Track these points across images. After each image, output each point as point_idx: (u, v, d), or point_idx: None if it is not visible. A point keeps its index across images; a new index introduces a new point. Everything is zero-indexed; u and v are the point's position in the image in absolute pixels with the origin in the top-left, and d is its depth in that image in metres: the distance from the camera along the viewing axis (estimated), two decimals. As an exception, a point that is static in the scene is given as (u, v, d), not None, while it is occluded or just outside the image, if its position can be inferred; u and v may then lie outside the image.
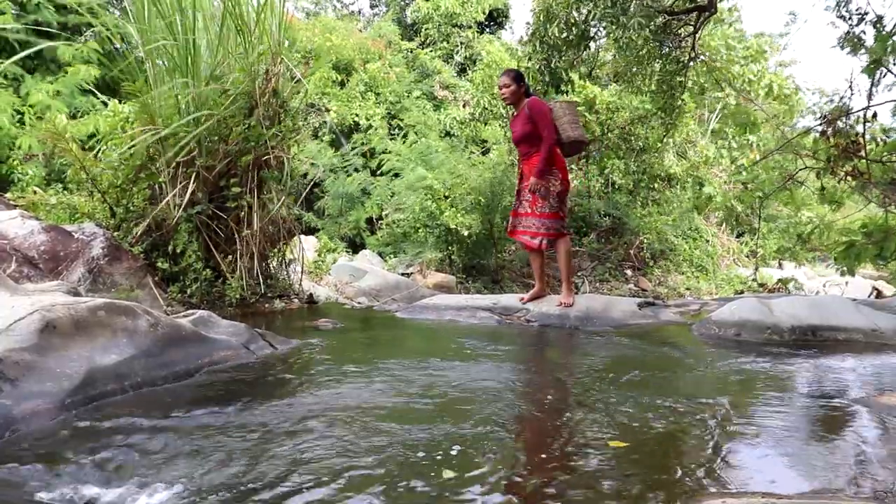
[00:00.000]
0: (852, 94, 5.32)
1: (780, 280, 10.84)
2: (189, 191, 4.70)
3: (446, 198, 9.05)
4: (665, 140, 11.31)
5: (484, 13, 17.96)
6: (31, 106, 9.47)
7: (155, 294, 4.40)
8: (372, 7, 23.88)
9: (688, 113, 11.06)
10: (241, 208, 4.91)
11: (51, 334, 2.34)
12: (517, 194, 4.94)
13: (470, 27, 17.63)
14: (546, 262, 5.16)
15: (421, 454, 1.91)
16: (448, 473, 1.76)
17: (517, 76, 4.83)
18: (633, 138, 11.07)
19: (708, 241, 12.38)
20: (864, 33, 5.50)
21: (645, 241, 11.17)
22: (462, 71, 17.16)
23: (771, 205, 11.67)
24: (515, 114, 4.90)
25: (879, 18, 5.38)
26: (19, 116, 9.52)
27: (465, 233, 8.65)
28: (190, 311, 3.45)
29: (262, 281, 5.01)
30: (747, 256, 13.12)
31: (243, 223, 4.93)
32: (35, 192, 5.85)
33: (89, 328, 2.50)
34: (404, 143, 12.31)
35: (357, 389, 2.63)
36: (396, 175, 11.27)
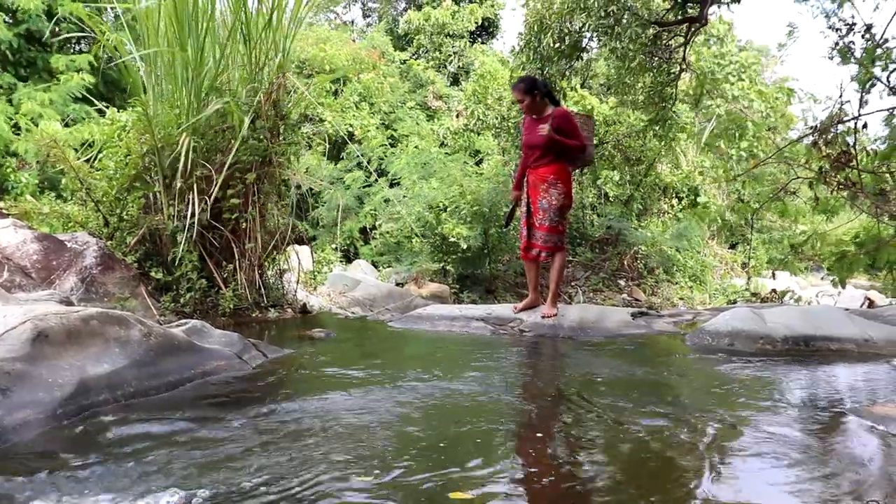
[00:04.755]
0: (842, 104, 5.36)
1: (773, 290, 10.87)
2: (187, 201, 4.68)
3: (445, 209, 9.06)
4: (661, 151, 11.37)
5: (476, 22, 18.06)
6: (23, 115, 9.45)
7: (148, 303, 4.38)
8: (365, 17, 24.02)
9: (687, 123, 11.13)
10: (239, 219, 4.89)
11: (43, 344, 2.32)
12: (527, 205, 4.86)
13: (462, 37, 17.72)
14: (540, 273, 5.16)
15: (410, 461, 1.90)
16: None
17: (528, 87, 4.66)
18: (627, 149, 11.12)
19: (699, 252, 12.42)
20: (854, 43, 5.56)
21: (641, 251, 11.20)
22: (455, 81, 17.24)
23: (765, 216, 11.72)
24: (535, 118, 4.73)
25: (868, 28, 5.43)
26: (13, 124, 9.51)
27: (464, 245, 8.66)
28: (183, 321, 3.44)
29: (256, 291, 5.00)
30: (741, 267, 13.17)
31: (241, 234, 4.92)
32: (28, 201, 5.83)
33: (82, 338, 2.48)
34: (404, 152, 12.35)
35: (348, 399, 2.62)
36: (392, 184, 11.30)
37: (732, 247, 13.77)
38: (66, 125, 9.34)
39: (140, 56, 5.08)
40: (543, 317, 4.79)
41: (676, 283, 11.35)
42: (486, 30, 19.47)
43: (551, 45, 8.16)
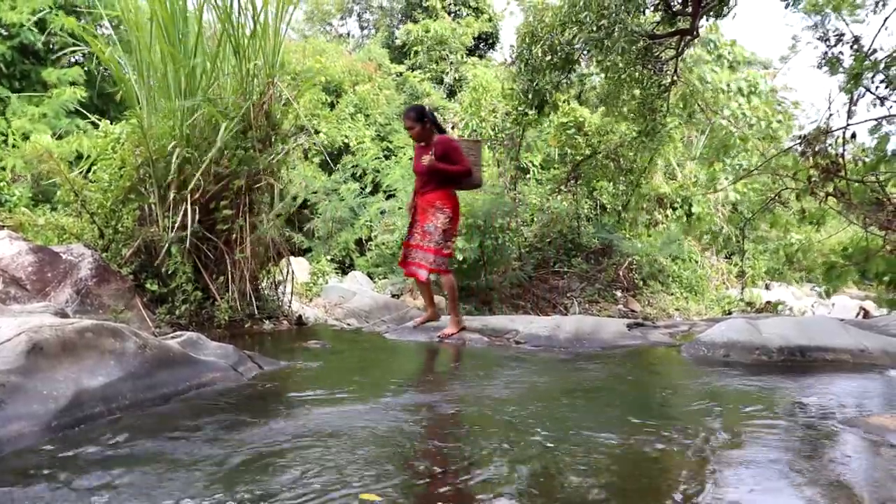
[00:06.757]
0: (830, 115, 5.40)
1: (768, 302, 10.90)
2: (182, 212, 4.68)
3: None
4: (653, 162, 11.42)
5: (473, 35, 18.16)
6: (13, 130, 9.44)
7: (143, 315, 4.37)
8: (361, 29, 24.13)
9: (675, 129, 11.17)
10: (232, 230, 4.89)
11: (38, 356, 2.31)
12: (410, 226, 5.03)
13: (458, 51, 17.79)
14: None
15: (400, 478, 1.90)
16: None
17: (417, 115, 4.83)
18: (621, 159, 11.16)
19: (697, 262, 12.44)
20: (842, 54, 5.62)
21: (635, 261, 11.21)
22: (451, 93, 17.28)
23: (759, 226, 11.76)
24: (423, 145, 4.90)
25: (856, 39, 5.49)
26: (4, 138, 9.51)
27: (460, 257, 8.66)
28: (178, 333, 3.43)
29: (251, 302, 4.99)
30: (736, 277, 13.19)
31: (234, 245, 4.92)
32: (23, 213, 5.81)
33: (77, 350, 2.48)
34: (398, 163, 12.37)
35: (344, 413, 2.62)
36: (388, 196, 11.30)
37: (728, 257, 13.80)
38: (60, 138, 9.33)
39: (133, 68, 5.10)
40: (441, 337, 4.85)
41: (672, 294, 11.36)
42: (486, 41, 19.58)
43: (541, 56, 8.19)
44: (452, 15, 18.52)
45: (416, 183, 5.07)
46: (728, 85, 11.50)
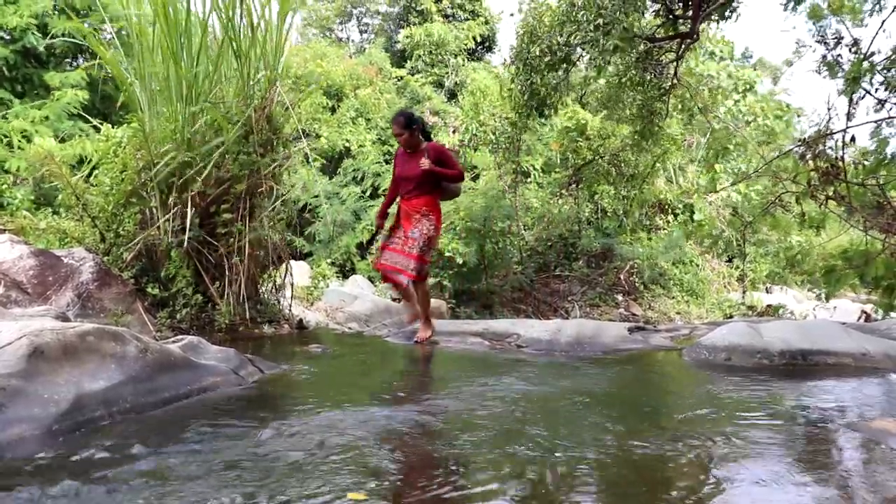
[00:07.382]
0: (830, 118, 5.40)
1: (769, 306, 10.88)
2: (181, 215, 4.68)
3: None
4: (655, 166, 11.42)
5: (475, 39, 18.22)
6: (14, 130, 9.46)
7: (144, 319, 4.37)
8: (361, 33, 24.19)
9: (677, 136, 11.18)
10: (233, 234, 4.89)
11: (39, 360, 2.31)
12: (392, 230, 5.03)
13: (459, 54, 17.84)
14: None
15: (399, 479, 1.90)
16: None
17: (406, 122, 4.79)
18: (622, 164, 11.17)
19: (698, 266, 12.44)
20: (841, 56, 5.61)
21: (636, 265, 11.21)
22: (452, 97, 17.31)
23: (760, 230, 11.77)
24: (410, 152, 4.87)
25: (855, 42, 5.49)
26: (7, 140, 9.53)
27: (460, 261, 8.66)
28: (179, 337, 3.42)
29: (252, 306, 4.99)
30: (738, 281, 13.18)
31: (234, 249, 4.92)
32: (25, 217, 5.82)
33: (78, 354, 2.47)
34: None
35: (344, 416, 2.61)
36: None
37: (730, 260, 13.79)
38: (63, 141, 9.35)
39: (135, 73, 5.10)
40: (417, 341, 4.88)
41: (673, 298, 11.36)
42: (484, 44, 19.65)
43: (539, 55, 8.20)
44: (450, 18, 18.59)
45: (397, 189, 5.03)
46: (717, 73, 11.52)
